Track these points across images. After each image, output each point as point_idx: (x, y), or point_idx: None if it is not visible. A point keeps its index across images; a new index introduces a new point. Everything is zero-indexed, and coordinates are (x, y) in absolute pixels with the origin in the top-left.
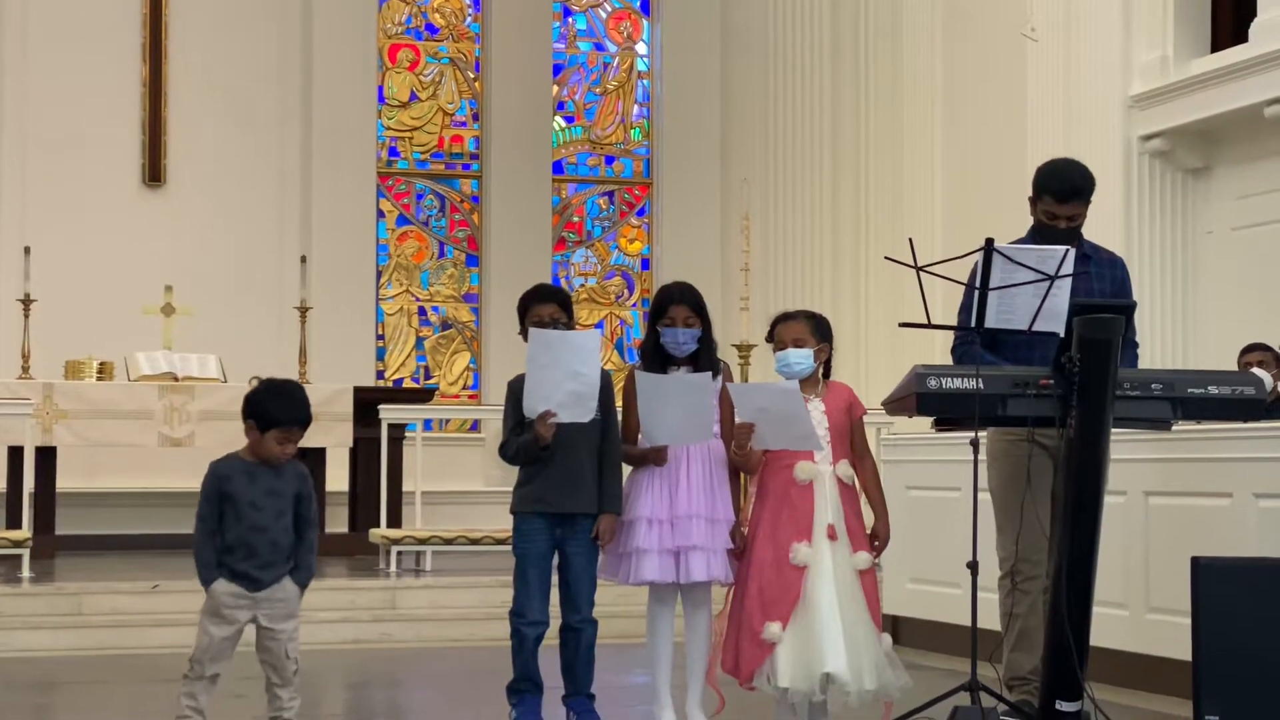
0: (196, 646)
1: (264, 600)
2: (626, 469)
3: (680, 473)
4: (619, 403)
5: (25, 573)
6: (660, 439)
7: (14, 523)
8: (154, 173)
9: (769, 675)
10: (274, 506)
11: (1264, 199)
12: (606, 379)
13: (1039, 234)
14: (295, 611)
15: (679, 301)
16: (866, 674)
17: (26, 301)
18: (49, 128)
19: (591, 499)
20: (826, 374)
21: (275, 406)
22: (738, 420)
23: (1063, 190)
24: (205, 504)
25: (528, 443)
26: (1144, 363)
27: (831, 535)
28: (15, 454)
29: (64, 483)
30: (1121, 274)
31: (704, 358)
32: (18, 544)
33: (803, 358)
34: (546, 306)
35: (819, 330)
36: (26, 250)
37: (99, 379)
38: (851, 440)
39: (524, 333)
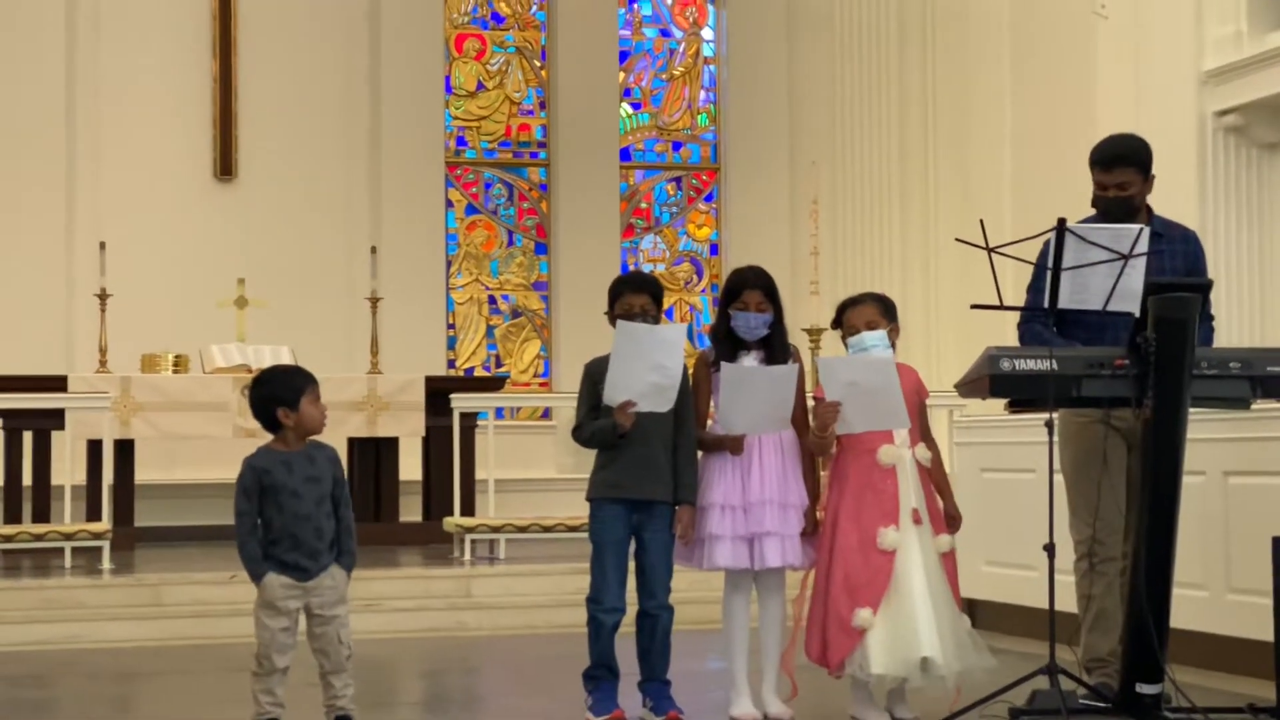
0: (259, 642)
1: (314, 589)
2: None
3: (753, 458)
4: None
5: (105, 564)
6: (738, 429)
7: (94, 515)
8: (225, 166)
9: (861, 663)
10: (314, 493)
11: None
12: (684, 371)
13: (1094, 207)
14: (345, 597)
15: (752, 286)
16: (954, 657)
17: (103, 296)
18: (122, 124)
19: (667, 486)
20: None
21: (286, 381)
22: (826, 398)
23: (1104, 158)
24: (244, 499)
25: (604, 428)
26: (1220, 341)
27: (916, 519)
28: (94, 447)
29: (142, 475)
30: (1195, 249)
31: (775, 342)
32: (98, 536)
33: (879, 339)
34: (639, 297)
35: (887, 311)
36: (102, 245)
37: (175, 372)
38: None
39: (610, 316)
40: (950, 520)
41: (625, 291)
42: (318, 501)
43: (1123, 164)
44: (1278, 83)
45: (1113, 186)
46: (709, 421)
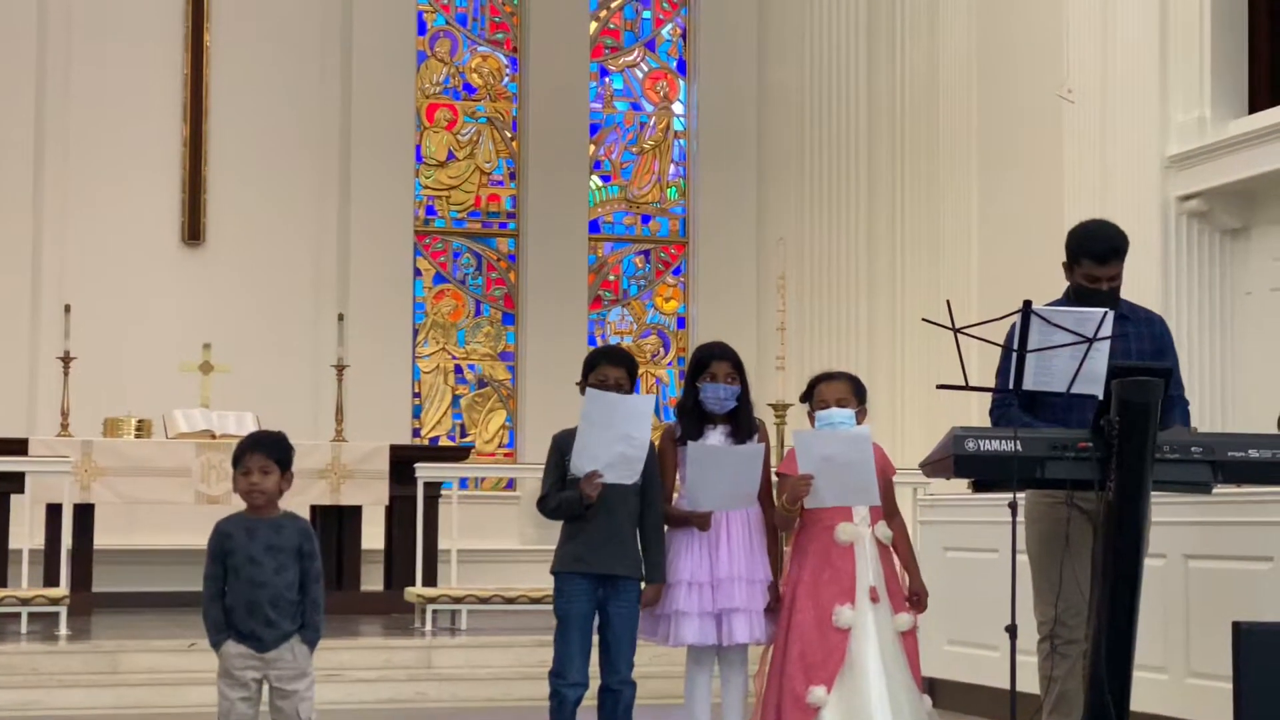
0: (219, 712)
1: (273, 660)
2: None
3: (720, 535)
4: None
5: (62, 630)
6: (704, 505)
7: (51, 580)
8: (193, 231)
9: None
10: (273, 562)
11: None
12: (651, 447)
13: (1079, 298)
14: (307, 670)
15: (720, 358)
16: None
17: (66, 359)
18: (90, 186)
19: (633, 561)
20: None
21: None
22: (799, 471)
23: (1102, 251)
24: (210, 563)
25: (570, 499)
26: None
27: (874, 597)
28: (54, 511)
29: (101, 540)
30: (1159, 329)
31: (742, 416)
32: (55, 601)
33: (846, 417)
34: (615, 370)
35: (858, 393)
36: (67, 308)
37: (137, 436)
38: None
39: (582, 385)
40: (916, 597)
41: (602, 363)
42: (277, 570)
43: (1117, 258)
44: (1241, 169)
45: (1106, 279)
46: (675, 495)
